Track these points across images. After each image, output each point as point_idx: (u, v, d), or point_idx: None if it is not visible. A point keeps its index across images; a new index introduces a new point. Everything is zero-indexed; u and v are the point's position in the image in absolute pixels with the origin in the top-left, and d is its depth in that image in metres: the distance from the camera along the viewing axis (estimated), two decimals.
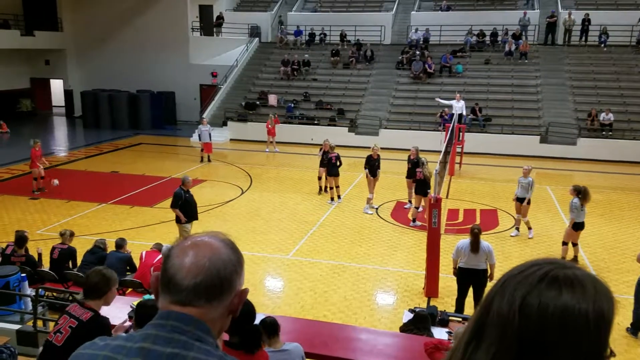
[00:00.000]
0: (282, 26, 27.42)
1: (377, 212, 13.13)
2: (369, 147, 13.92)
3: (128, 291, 7.65)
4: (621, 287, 9.12)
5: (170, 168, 17.60)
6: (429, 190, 11.63)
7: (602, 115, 20.14)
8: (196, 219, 9.98)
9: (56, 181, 14.47)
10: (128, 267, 8.14)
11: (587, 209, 9.37)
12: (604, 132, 20.06)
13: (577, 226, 9.78)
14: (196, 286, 1.18)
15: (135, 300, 4.90)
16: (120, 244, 8.25)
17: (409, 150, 13.35)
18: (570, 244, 10.02)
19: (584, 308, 0.89)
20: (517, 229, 11.67)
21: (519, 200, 11.35)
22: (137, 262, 8.19)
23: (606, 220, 12.87)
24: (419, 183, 11.98)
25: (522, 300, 0.92)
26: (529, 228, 11.48)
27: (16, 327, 6.30)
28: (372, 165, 13.19)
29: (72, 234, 8.60)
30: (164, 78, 27.20)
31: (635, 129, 20.08)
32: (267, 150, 20.58)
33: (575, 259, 9.76)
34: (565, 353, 0.89)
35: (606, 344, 0.93)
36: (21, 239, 8.03)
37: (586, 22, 23.78)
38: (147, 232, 11.49)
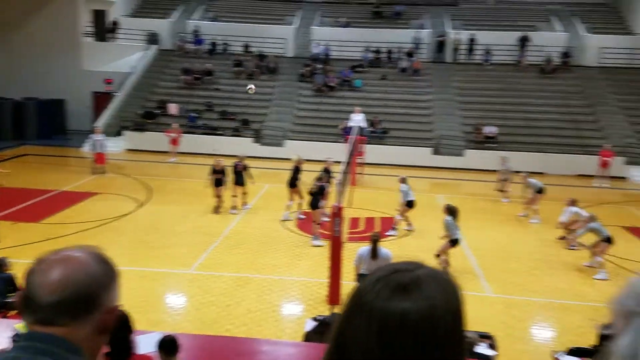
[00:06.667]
0: (182, 34, 26.80)
1: (282, 222, 13.16)
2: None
3: (11, 314, 7.02)
4: (509, 287, 9.88)
5: (59, 180, 16.42)
6: (320, 204, 11.82)
7: (486, 129, 21.85)
8: None
9: None
10: (11, 288, 7.49)
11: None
12: (488, 144, 21.75)
13: (455, 242, 9.95)
14: (58, 304, 1.11)
15: (18, 324, 4.51)
16: (2, 263, 7.60)
17: (316, 161, 13.54)
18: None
19: (424, 308, 0.89)
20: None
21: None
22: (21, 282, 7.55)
23: (490, 224, 13.88)
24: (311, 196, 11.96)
25: (379, 322, 0.89)
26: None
27: None
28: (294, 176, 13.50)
29: None
30: (53, 85, 25.38)
31: (517, 141, 21.94)
32: (172, 160, 20.30)
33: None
34: (423, 354, 0.88)
35: (460, 334, 0.94)
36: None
37: (472, 41, 25.75)
38: (31, 250, 10.58)
